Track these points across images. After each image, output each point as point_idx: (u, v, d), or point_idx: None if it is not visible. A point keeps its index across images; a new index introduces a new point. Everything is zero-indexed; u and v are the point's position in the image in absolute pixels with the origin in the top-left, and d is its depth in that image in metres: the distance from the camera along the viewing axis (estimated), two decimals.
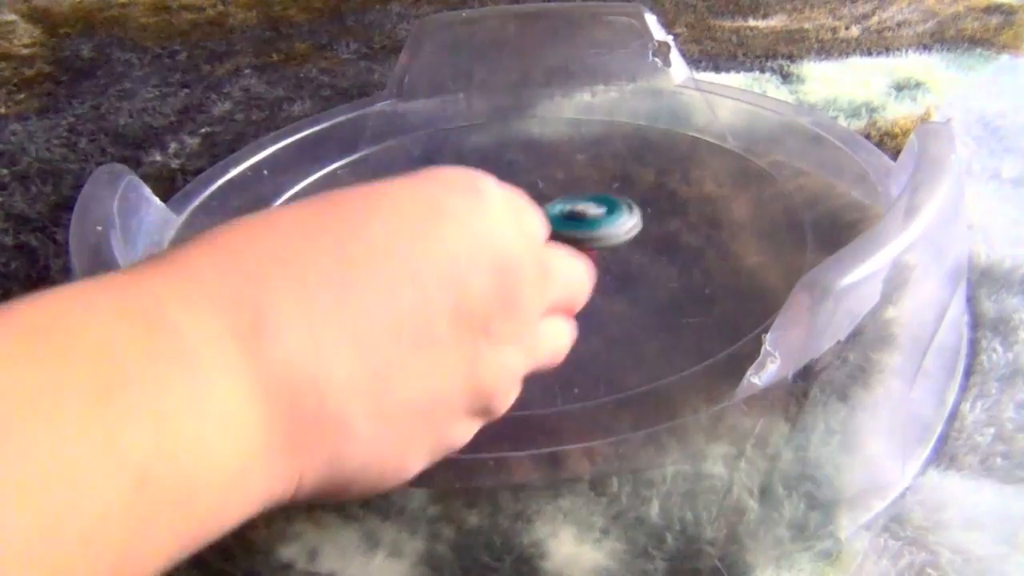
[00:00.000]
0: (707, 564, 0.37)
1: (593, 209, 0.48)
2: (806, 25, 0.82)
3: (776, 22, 0.83)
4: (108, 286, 0.27)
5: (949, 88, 0.70)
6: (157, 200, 0.55)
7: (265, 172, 0.61)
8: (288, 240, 0.30)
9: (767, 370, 0.37)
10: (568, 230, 0.47)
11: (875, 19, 0.82)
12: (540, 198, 0.56)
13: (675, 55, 0.65)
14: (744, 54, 0.77)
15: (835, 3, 0.85)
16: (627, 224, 0.47)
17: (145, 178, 0.55)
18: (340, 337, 0.29)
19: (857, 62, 0.75)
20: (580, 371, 0.44)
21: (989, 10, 0.81)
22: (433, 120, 0.66)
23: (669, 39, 0.65)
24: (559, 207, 0.49)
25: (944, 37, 0.77)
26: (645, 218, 0.55)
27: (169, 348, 0.26)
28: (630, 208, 0.48)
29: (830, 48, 0.77)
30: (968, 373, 0.45)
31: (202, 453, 0.25)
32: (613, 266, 0.51)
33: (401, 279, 0.30)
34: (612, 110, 0.65)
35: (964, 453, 0.41)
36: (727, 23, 0.84)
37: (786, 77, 0.73)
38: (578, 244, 0.46)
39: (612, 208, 0.49)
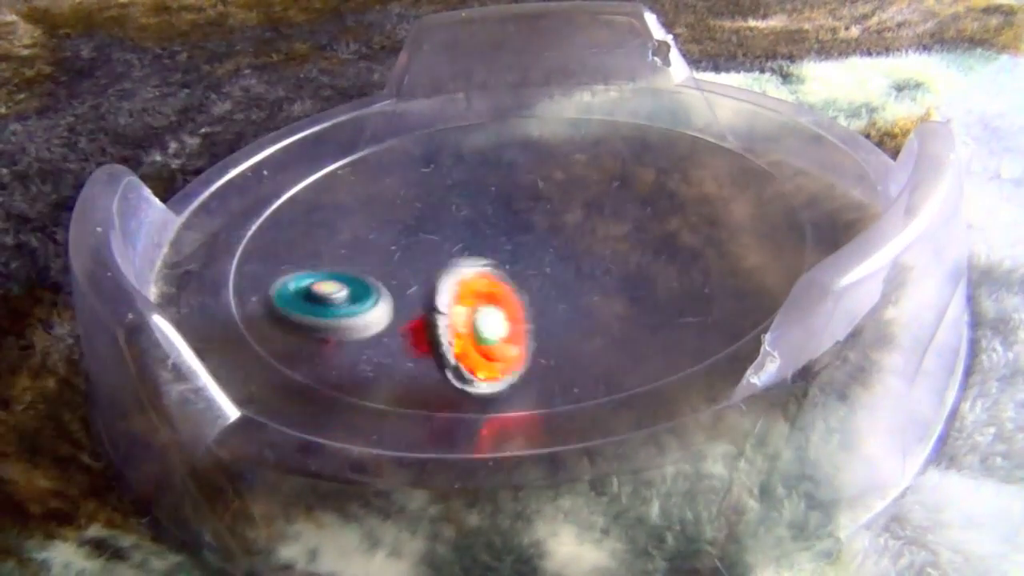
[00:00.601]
0: (707, 564, 0.37)
1: (335, 291, 0.44)
2: (806, 25, 0.82)
3: (776, 22, 0.83)
4: None
5: (949, 88, 0.70)
6: (157, 201, 0.55)
7: (265, 172, 0.61)
8: None
9: (766, 370, 0.37)
10: (305, 315, 0.44)
11: (875, 19, 0.81)
12: (539, 196, 0.56)
13: (675, 55, 0.65)
14: (744, 54, 0.77)
15: (835, 3, 0.85)
16: (372, 316, 0.44)
17: (145, 178, 0.55)
18: None
19: (857, 62, 0.75)
20: (580, 371, 0.44)
21: (989, 11, 0.81)
22: (432, 120, 0.66)
23: (669, 39, 0.65)
24: (294, 284, 0.45)
25: (944, 37, 0.77)
26: (644, 217, 0.55)
27: None
28: (377, 294, 0.44)
29: (830, 48, 0.77)
30: (968, 373, 0.45)
31: None
32: (613, 266, 0.51)
33: None
34: (612, 110, 0.65)
35: (964, 453, 0.41)
36: (727, 23, 0.84)
37: (786, 77, 0.73)
38: (314, 332, 0.43)
39: (358, 293, 0.45)
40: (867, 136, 0.62)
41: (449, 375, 0.41)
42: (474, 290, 0.43)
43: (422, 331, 0.41)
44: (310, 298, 0.45)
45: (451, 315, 0.41)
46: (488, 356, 0.42)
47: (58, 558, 0.40)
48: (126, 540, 0.41)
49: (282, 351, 0.46)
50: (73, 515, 0.42)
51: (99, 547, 0.40)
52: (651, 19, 0.64)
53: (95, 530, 0.41)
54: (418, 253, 0.53)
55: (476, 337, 0.42)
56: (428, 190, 0.60)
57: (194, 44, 0.90)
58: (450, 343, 0.41)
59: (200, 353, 0.40)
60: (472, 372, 0.41)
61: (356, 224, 0.57)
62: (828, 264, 0.38)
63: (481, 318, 0.42)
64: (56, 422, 0.47)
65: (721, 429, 0.37)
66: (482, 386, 0.41)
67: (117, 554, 0.40)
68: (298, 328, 0.44)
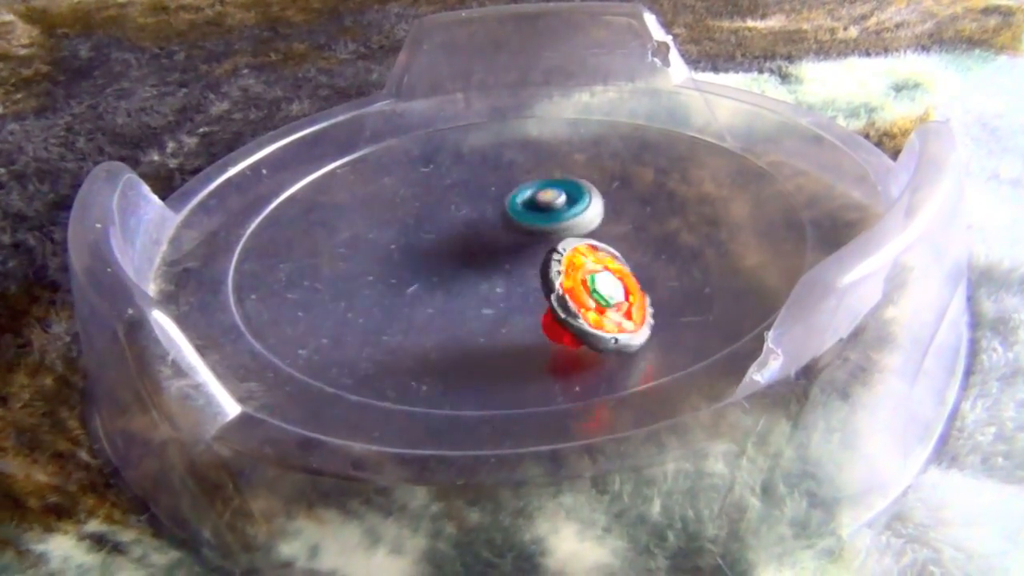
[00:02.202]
0: (709, 562, 0.37)
1: (556, 198, 0.51)
2: (804, 26, 0.82)
3: (775, 23, 0.83)
4: None
5: (947, 89, 0.70)
6: (156, 198, 0.55)
7: (264, 171, 0.61)
8: None
9: (769, 367, 0.37)
10: (533, 223, 0.51)
11: (873, 20, 0.82)
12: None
13: (674, 55, 0.65)
14: (743, 54, 0.77)
15: (833, 4, 0.85)
16: (590, 214, 0.50)
17: (143, 177, 0.55)
18: None
19: (856, 63, 0.75)
20: (581, 369, 0.44)
21: (987, 11, 0.81)
22: (431, 120, 0.66)
23: (668, 39, 0.65)
24: (520, 196, 0.52)
25: (942, 38, 0.77)
26: (643, 217, 0.55)
27: None
28: (591, 194, 0.51)
29: (829, 49, 0.77)
30: (968, 373, 0.45)
31: None
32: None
33: None
34: (611, 110, 0.65)
35: (965, 452, 0.41)
36: (726, 23, 0.84)
37: (785, 77, 0.73)
38: (542, 236, 0.48)
39: (574, 195, 0.52)
40: (866, 136, 0.62)
41: (554, 303, 0.43)
42: (595, 257, 0.45)
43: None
44: (536, 207, 0.52)
45: (567, 263, 0.44)
46: (600, 310, 0.43)
47: (57, 551, 0.40)
48: (126, 535, 0.41)
49: (281, 348, 0.46)
50: (72, 510, 0.42)
51: (99, 541, 0.40)
52: (650, 20, 0.64)
53: (94, 525, 0.41)
54: (417, 252, 0.53)
55: (589, 288, 0.44)
56: (427, 190, 0.59)
57: (192, 44, 0.90)
58: (559, 272, 0.43)
59: (200, 350, 0.40)
60: (578, 308, 0.43)
61: (355, 223, 0.57)
62: (832, 262, 0.38)
63: (599, 277, 0.44)
64: (54, 419, 0.47)
65: (722, 427, 0.37)
66: (586, 326, 0.43)
67: (117, 548, 0.40)
68: (530, 233, 0.51)
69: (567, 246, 0.45)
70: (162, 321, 0.39)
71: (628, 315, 0.44)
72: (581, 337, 0.42)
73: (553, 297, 0.43)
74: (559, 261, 0.44)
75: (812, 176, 0.56)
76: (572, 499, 0.36)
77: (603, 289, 0.44)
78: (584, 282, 0.44)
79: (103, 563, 0.39)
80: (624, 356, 0.43)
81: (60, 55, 0.90)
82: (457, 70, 0.67)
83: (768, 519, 0.37)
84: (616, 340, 0.43)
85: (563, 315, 0.42)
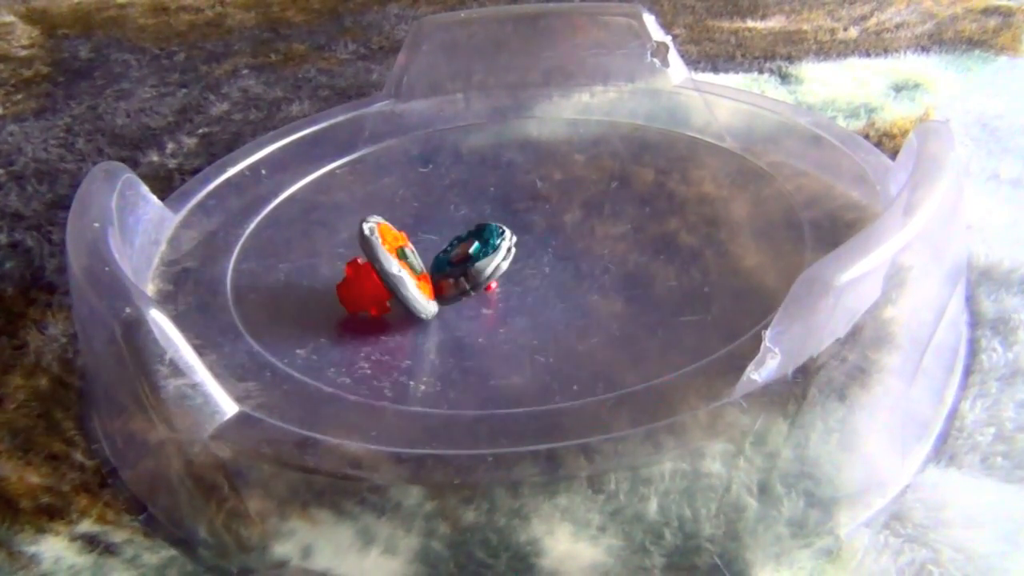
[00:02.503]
0: (706, 561, 0.36)
1: (469, 247, 0.49)
2: (804, 26, 0.82)
3: (775, 23, 0.83)
4: None
5: (947, 89, 0.70)
6: (155, 198, 0.55)
7: (263, 171, 0.61)
8: None
9: (767, 366, 0.37)
10: (455, 274, 0.49)
11: (873, 20, 0.81)
12: (537, 196, 0.56)
13: (673, 56, 0.65)
14: (742, 55, 0.77)
15: (833, 4, 0.85)
16: (500, 255, 0.48)
17: (142, 178, 0.55)
18: None
19: (856, 63, 0.75)
20: (579, 368, 0.44)
21: (987, 12, 0.81)
22: (431, 120, 0.66)
23: (667, 40, 0.65)
24: (444, 256, 0.50)
25: (942, 38, 0.77)
26: (643, 217, 0.55)
27: None
28: (500, 233, 0.49)
29: (828, 49, 0.77)
30: (967, 372, 0.45)
31: None
32: (612, 265, 0.51)
33: None
34: (610, 110, 0.65)
35: (965, 452, 0.41)
36: (725, 24, 0.84)
37: (785, 78, 0.73)
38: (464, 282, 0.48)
39: (483, 239, 0.50)
40: (866, 136, 0.62)
41: (393, 282, 0.46)
42: (393, 234, 0.49)
43: (356, 278, 0.47)
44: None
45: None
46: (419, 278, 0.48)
47: (48, 552, 0.40)
48: (118, 536, 0.40)
49: (279, 348, 0.46)
50: (64, 511, 0.42)
51: (91, 542, 0.40)
52: (650, 20, 0.64)
53: (86, 525, 0.41)
54: (416, 252, 0.53)
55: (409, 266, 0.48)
56: (426, 190, 0.59)
57: (192, 44, 0.90)
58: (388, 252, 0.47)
59: (198, 349, 0.40)
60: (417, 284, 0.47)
61: (354, 223, 0.56)
62: (829, 260, 0.38)
63: (408, 252, 0.49)
64: (49, 420, 0.47)
65: (720, 427, 0.37)
66: (431, 304, 0.47)
67: (109, 549, 0.40)
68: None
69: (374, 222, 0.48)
70: (160, 320, 0.39)
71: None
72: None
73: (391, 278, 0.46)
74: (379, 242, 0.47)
75: (811, 176, 0.56)
76: (568, 499, 0.36)
77: (417, 263, 0.49)
78: (395, 252, 0.48)
79: (95, 564, 0.39)
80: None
81: (60, 56, 0.90)
82: (457, 71, 0.67)
83: (765, 519, 0.37)
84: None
85: (403, 291, 0.46)
